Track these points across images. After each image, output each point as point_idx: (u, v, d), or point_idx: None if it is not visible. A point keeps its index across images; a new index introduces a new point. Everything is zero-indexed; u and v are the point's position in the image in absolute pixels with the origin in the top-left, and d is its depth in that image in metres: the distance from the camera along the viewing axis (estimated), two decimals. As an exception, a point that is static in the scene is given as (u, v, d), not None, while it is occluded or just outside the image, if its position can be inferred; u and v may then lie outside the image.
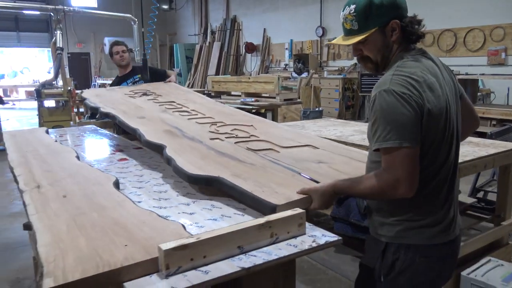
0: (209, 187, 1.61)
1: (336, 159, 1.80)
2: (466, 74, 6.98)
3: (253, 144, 1.99)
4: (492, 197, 3.43)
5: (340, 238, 1.20)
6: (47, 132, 2.83)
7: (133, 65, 4.13)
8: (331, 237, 1.21)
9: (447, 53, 7.93)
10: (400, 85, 1.21)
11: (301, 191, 1.38)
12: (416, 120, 1.19)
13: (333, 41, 1.49)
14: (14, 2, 8.41)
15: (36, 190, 1.60)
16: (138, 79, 4.01)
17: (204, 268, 1.04)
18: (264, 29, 12.34)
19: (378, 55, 1.34)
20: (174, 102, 2.93)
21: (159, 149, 1.94)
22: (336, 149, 1.98)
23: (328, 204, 1.37)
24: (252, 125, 2.32)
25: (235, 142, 2.00)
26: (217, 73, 12.81)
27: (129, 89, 3.39)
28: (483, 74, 6.81)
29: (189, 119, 2.46)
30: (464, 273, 2.42)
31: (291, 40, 11.42)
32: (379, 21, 1.30)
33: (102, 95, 3.16)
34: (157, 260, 1.03)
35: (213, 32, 14.20)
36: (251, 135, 2.13)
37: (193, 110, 2.69)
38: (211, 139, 2.05)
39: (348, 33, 1.37)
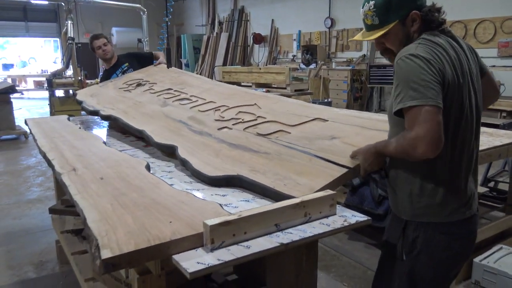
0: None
1: (348, 131, 1.77)
2: None
3: (262, 127, 1.95)
4: (502, 187, 3.50)
5: (369, 218, 1.26)
6: (68, 119, 2.92)
7: (118, 54, 4.02)
8: (361, 217, 1.28)
9: None
10: (426, 52, 1.23)
11: (352, 154, 1.46)
12: (439, 83, 1.20)
13: (355, 38, 1.50)
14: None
15: (73, 172, 1.68)
16: (126, 67, 3.91)
17: (245, 243, 1.12)
18: (272, 20, 12.28)
19: (400, 47, 1.36)
20: (171, 89, 2.83)
21: (170, 150, 1.91)
22: (345, 118, 1.94)
23: (372, 163, 1.37)
24: (255, 104, 2.25)
25: (244, 129, 1.97)
26: (224, 64, 12.73)
27: (122, 82, 3.28)
28: (493, 66, 6.78)
29: (191, 108, 2.40)
30: (476, 259, 2.51)
31: (299, 31, 11.36)
32: (399, 14, 1.32)
33: (97, 94, 3.10)
34: (201, 235, 1.11)
35: (220, 23, 14.09)
36: (258, 117, 2.07)
37: (192, 96, 2.60)
38: (219, 129, 2.01)
39: (370, 28, 1.40)
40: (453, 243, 1.37)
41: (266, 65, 11.50)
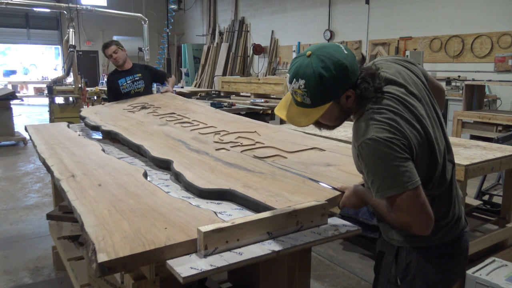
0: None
1: (344, 160, 1.80)
2: (473, 80, 7.04)
3: (259, 151, 1.99)
4: (497, 200, 3.52)
5: (359, 228, 1.30)
6: (68, 126, 2.97)
7: (133, 62, 4.08)
8: (352, 226, 1.32)
9: (454, 58, 7.96)
10: (383, 130, 1.14)
11: (340, 187, 1.45)
12: (408, 160, 1.14)
13: (282, 116, 1.28)
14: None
15: (72, 179, 1.72)
16: (138, 78, 3.95)
17: (238, 250, 1.15)
18: (272, 31, 12.32)
19: (337, 122, 1.28)
20: (174, 113, 2.92)
21: (166, 164, 1.92)
22: (342, 149, 1.98)
23: (352, 204, 1.35)
24: (255, 131, 2.30)
25: (241, 151, 1.99)
26: (224, 74, 12.76)
27: (127, 104, 3.38)
28: (489, 80, 6.82)
29: (191, 130, 2.44)
30: (469, 272, 2.52)
31: (299, 43, 11.43)
32: (333, 95, 1.18)
33: (101, 112, 3.17)
34: (195, 241, 1.14)
35: (221, 33, 14.16)
36: (256, 142, 2.12)
37: (194, 120, 2.67)
38: (216, 149, 2.04)
39: (300, 105, 1.23)
40: (447, 264, 1.35)
41: (266, 75, 11.58)
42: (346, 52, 1.19)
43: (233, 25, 13.54)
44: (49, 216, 2.54)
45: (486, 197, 3.59)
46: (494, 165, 2.38)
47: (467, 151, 2.57)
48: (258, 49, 12.32)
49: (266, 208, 1.38)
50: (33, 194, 4.63)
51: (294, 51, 11.40)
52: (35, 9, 12.27)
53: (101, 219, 1.29)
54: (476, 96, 6.37)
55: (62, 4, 8.60)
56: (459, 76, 7.62)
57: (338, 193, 1.45)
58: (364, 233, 2.53)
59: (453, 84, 7.48)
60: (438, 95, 1.44)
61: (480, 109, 6.39)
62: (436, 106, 1.34)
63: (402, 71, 1.30)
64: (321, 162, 1.80)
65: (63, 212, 2.34)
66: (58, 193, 1.92)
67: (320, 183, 1.54)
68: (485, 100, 6.85)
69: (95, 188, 1.58)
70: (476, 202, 3.18)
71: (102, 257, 1.04)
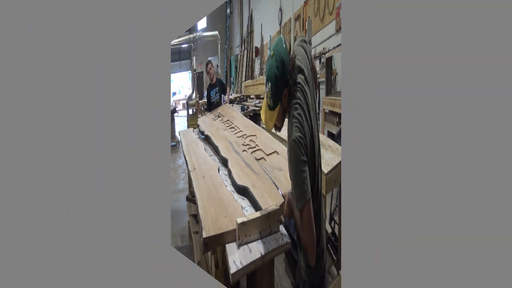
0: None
1: (287, 166, 1.11)
2: (327, 50, 2.94)
3: (256, 153, 1.71)
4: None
5: (290, 242, 0.98)
6: (193, 131, 3.04)
7: (217, 77, 3.54)
8: (288, 238, 1.01)
9: (321, 23, 3.08)
10: (297, 128, 0.71)
11: (284, 194, 0.90)
12: (306, 163, 0.73)
13: (262, 119, 0.92)
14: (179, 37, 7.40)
15: (194, 171, 1.65)
16: (217, 90, 3.55)
17: (249, 246, 0.92)
18: (261, 28, 5.94)
19: (281, 122, 0.77)
20: (228, 120, 2.85)
21: (226, 162, 1.84)
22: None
23: (286, 213, 0.95)
24: (255, 135, 2.16)
25: (251, 153, 1.74)
26: (245, 80, 8.94)
27: (213, 114, 3.28)
28: (334, 48, 2.65)
29: (234, 134, 2.30)
30: None
31: (270, 36, 4.92)
32: (281, 96, 0.76)
33: (203, 122, 3.14)
34: (235, 231, 0.96)
35: (244, 41, 7.65)
36: (256, 145, 1.90)
37: (235, 125, 2.56)
38: (243, 151, 1.83)
39: (269, 107, 0.78)
40: None
41: (259, 76, 7.52)
42: (284, 45, 0.74)
43: (247, 30, 7.22)
44: (186, 198, 2.61)
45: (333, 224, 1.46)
46: (335, 176, 1.16)
47: (326, 154, 1.32)
48: (256, 51, 5.86)
49: (259, 208, 1.14)
50: (182, 181, 4.34)
51: (269, 48, 5.14)
52: (182, 45, 11.69)
53: (204, 203, 1.14)
54: (329, 73, 2.81)
55: (190, 36, 6.94)
56: (324, 48, 3.20)
57: (283, 200, 0.96)
58: (290, 249, 1.06)
59: (323, 61, 2.94)
60: (314, 80, 0.81)
61: (329, 95, 2.77)
62: (315, 93, 0.78)
63: (303, 54, 0.79)
64: (276, 166, 1.42)
65: (192, 196, 2.50)
66: (191, 181, 1.87)
67: (278, 189, 1.19)
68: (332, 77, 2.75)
69: (202, 179, 1.44)
70: (329, 230, 1.30)
71: (204, 234, 0.97)
